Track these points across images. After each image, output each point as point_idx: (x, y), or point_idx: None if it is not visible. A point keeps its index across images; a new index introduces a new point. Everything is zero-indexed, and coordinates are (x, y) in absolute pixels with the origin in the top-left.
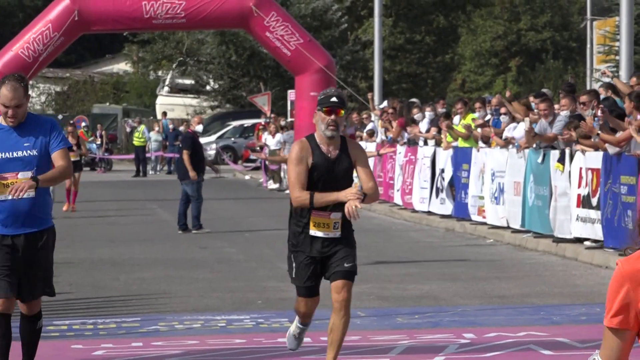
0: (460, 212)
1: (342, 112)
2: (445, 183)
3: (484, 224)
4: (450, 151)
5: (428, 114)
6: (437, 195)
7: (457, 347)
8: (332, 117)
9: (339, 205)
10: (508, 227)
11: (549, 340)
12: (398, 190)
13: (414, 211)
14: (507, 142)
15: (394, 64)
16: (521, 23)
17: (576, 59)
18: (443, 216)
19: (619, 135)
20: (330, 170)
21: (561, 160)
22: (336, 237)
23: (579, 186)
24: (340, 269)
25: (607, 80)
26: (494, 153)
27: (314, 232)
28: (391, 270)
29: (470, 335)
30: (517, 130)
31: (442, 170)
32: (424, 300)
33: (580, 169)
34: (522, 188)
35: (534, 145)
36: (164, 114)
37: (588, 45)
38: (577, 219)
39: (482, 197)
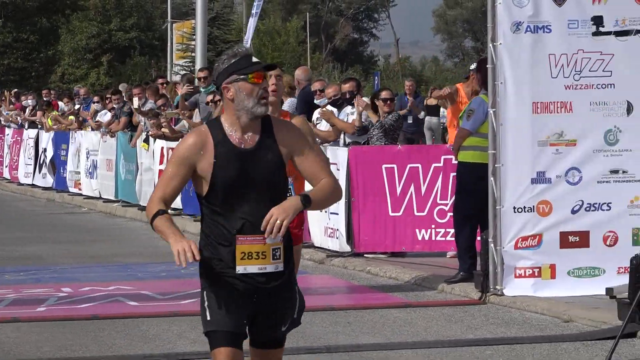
0: (60, 185)
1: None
2: (48, 160)
3: (80, 195)
4: (52, 133)
5: (31, 101)
6: (40, 171)
7: (57, 299)
8: (265, 84)
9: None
10: (101, 198)
11: (135, 292)
12: (6, 166)
13: (20, 184)
14: (99, 125)
15: (2, 58)
16: (112, 24)
17: (159, 55)
18: (45, 188)
19: None
20: (243, 169)
21: (146, 140)
22: (278, 271)
23: (161, 163)
24: (273, 337)
25: None
26: (88, 135)
27: (242, 267)
28: (1, 235)
29: (68, 290)
30: (107, 116)
31: (45, 150)
32: (29, 260)
33: (162, 147)
34: (114, 164)
35: (126, 130)
36: None
37: (169, 44)
38: None
39: (78, 172)
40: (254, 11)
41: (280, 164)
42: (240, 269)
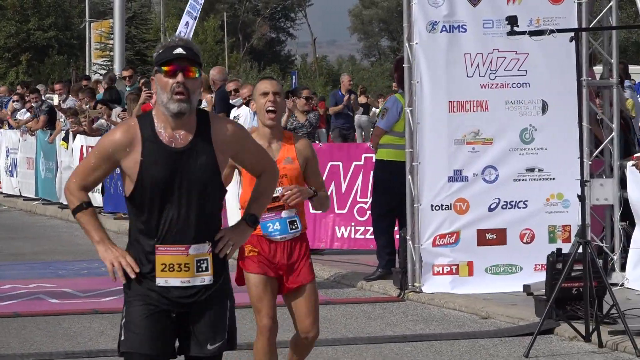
0: None
1: (195, 70)
2: None
3: (0, 193)
4: None
5: None
6: None
7: None
8: (179, 79)
9: (206, 231)
10: (21, 196)
11: (56, 290)
12: None
13: None
14: (18, 124)
15: None
16: (30, 24)
17: (77, 54)
18: None
19: None
20: (172, 171)
21: (65, 139)
22: (205, 285)
23: (80, 161)
24: (200, 354)
25: None
26: (8, 133)
27: (163, 280)
28: None
29: None
30: (26, 115)
31: None
32: None
33: (82, 146)
34: (34, 163)
35: (45, 127)
36: None
37: (87, 43)
38: None
39: None
40: (195, 14)
41: (214, 168)
42: (160, 281)
